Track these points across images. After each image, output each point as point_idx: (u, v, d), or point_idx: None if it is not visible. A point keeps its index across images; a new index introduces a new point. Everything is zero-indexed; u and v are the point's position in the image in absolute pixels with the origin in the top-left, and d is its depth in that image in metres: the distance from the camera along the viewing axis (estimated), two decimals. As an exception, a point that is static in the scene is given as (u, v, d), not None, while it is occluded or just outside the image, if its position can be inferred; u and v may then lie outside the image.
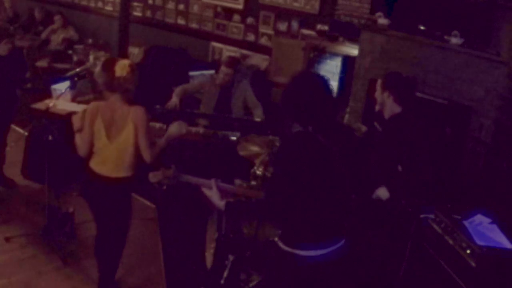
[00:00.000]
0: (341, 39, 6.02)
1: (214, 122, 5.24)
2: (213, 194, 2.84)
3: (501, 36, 4.58)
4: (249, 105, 5.36)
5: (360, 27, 5.65)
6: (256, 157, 4.04)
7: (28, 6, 9.61)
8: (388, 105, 3.73)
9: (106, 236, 3.89)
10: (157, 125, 4.96)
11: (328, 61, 6.01)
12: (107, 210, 3.78)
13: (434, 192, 3.77)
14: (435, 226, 3.55)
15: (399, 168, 3.66)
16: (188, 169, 4.80)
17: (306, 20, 6.72)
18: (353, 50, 5.77)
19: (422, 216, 3.61)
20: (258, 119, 5.23)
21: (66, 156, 5.15)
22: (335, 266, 2.75)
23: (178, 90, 5.36)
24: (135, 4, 8.54)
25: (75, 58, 7.98)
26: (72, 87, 5.38)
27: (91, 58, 7.55)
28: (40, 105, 5.28)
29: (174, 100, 5.23)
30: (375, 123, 4.02)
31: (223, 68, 5.25)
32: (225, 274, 3.61)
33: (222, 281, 3.61)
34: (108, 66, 3.55)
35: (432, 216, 3.60)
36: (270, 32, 7.15)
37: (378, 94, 3.78)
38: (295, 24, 6.86)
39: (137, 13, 8.58)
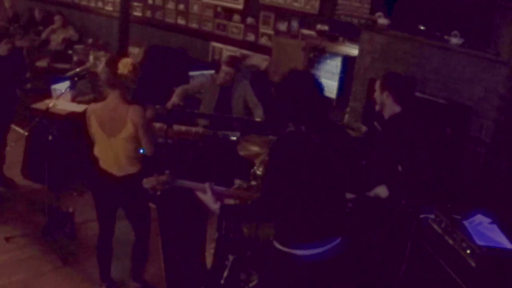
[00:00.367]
0: (341, 39, 6.02)
1: (214, 122, 5.24)
2: (207, 197, 2.83)
3: (501, 36, 4.58)
4: (249, 105, 5.36)
5: (360, 27, 5.65)
6: (256, 157, 4.04)
7: (28, 6, 9.61)
8: (388, 105, 3.73)
9: (110, 235, 3.93)
10: (157, 125, 4.96)
11: (328, 61, 6.01)
12: (116, 210, 3.83)
13: (434, 192, 3.77)
14: (435, 226, 3.55)
15: (399, 168, 3.66)
16: (188, 169, 4.83)
17: (306, 20, 6.72)
18: (353, 50, 5.77)
19: (422, 216, 3.61)
20: (258, 119, 5.23)
21: (66, 156, 5.17)
22: (332, 265, 2.75)
23: (178, 91, 5.36)
24: (135, 4, 8.55)
25: (75, 58, 7.98)
26: (72, 87, 5.38)
27: (91, 58, 7.56)
28: (40, 105, 5.28)
29: (175, 100, 5.23)
30: (375, 123, 4.02)
31: (223, 67, 5.25)
32: (225, 274, 3.62)
33: (222, 281, 3.61)
34: (112, 63, 3.61)
35: (432, 216, 3.60)
36: (270, 32, 7.16)
37: (377, 94, 3.78)
38: (295, 24, 6.87)
39: (137, 13, 8.58)
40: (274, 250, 2.75)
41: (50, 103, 5.09)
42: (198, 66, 7.01)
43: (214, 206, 2.79)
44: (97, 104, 3.76)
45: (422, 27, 5.12)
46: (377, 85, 3.80)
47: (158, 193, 3.47)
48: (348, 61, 5.83)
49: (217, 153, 4.92)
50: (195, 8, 7.97)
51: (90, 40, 8.60)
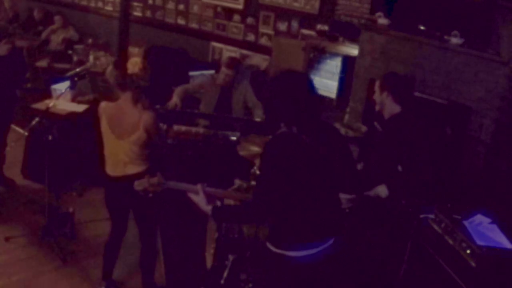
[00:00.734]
0: (341, 39, 6.02)
1: (214, 122, 5.24)
2: (199, 199, 2.81)
3: (501, 36, 4.58)
4: (249, 105, 5.36)
5: (360, 27, 5.65)
6: (256, 157, 4.04)
7: (28, 6, 9.61)
8: (388, 105, 3.73)
9: (122, 234, 3.93)
10: (157, 125, 4.96)
11: (328, 61, 6.01)
12: (128, 210, 3.82)
13: (434, 192, 3.77)
14: (435, 226, 3.55)
15: (399, 168, 3.66)
16: (188, 169, 4.83)
17: (306, 20, 6.72)
18: (353, 50, 5.77)
19: (422, 216, 3.61)
20: (258, 119, 5.23)
21: (66, 156, 5.17)
22: (326, 265, 2.73)
23: (178, 90, 5.36)
24: (135, 4, 8.55)
25: (75, 58, 7.98)
26: (72, 87, 5.38)
27: (91, 58, 7.55)
28: (40, 105, 5.28)
29: (175, 100, 5.23)
30: (375, 123, 4.02)
31: (223, 69, 5.25)
32: (225, 274, 3.61)
33: (222, 281, 3.61)
34: (120, 64, 3.58)
35: (432, 216, 3.60)
36: (270, 32, 7.15)
37: (377, 95, 3.78)
38: (295, 24, 6.87)
39: (137, 13, 8.58)
40: (268, 252, 2.73)
41: (50, 103, 5.09)
42: (198, 66, 7.01)
43: (207, 207, 2.77)
44: (109, 104, 3.71)
45: (422, 27, 5.12)
46: (377, 85, 3.80)
47: (150, 195, 3.49)
48: (348, 61, 5.83)
49: (217, 153, 4.92)
50: (195, 8, 7.97)
51: (90, 40, 8.59)
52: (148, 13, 8.55)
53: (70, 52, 8.21)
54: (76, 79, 5.40)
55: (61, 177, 4.92)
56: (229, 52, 7.52)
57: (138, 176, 3.65)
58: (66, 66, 7.65)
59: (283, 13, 6.97)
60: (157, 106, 5.09)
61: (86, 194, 5.43)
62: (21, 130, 5.73)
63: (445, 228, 3.47)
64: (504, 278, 3.20)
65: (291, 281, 2.71)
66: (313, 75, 6.11)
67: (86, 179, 5.53)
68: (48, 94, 5.63)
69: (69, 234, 4.61)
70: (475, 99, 4.67)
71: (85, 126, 5.53)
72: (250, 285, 3.65)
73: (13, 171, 5.50)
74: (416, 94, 4.82)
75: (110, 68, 3.66)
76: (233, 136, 4.98)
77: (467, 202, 4.25)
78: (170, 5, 8.26)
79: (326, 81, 6.03)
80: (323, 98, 6.01)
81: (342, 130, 5.46)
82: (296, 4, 6.82)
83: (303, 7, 6.75)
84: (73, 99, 5.67)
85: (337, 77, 5.94)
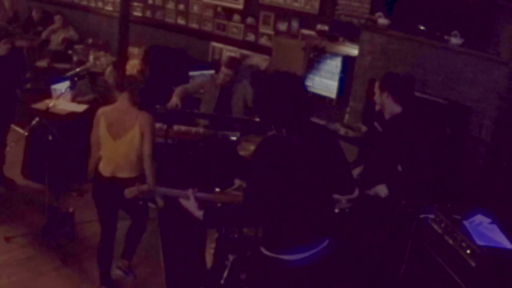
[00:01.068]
0: (341, 39, 6.02)
1: (214, 122, 5.24)
2: (190, 204, 2.79)
3: (501, 36, 4.58)
4: (249, 105, 5.36)
5: (360, 27, 5.65)
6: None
7: (28, 6, 9.61)
8: (388, 106, 3.73)
9: (111, 237, 3.95)
10: (157, 125, 4.95)
11: (328, 61, 6.01)
12: (117, 211, 3.84)
13: (434, 192, 3.77)
14: (435, 226, 3.55)
15: (399, 168, 3.66)
16: (188, 169, 4.83)
17: (306, 20, 6.72)
18: (353, 50, 5.77)
19: (422, 216, 3.61)
20: (258, 119, 5.22)
21: (66, 156, 5.17)
22: (321, 267, 2.72)
23: (178, 90, 5.35)
24: (135, 4, 8.54)
25: (75, 58, 7.98)
26: (72, 87, 5.38)
27: (91, 58, 7.56)
28: (40, 105, 5.28)
29: (175, 100, 5.23)
30: (375, 123, 4.02)
31: (223, 69, 5.25)
32: (225, 274, 3.61)
33: (222, 281, 3.61)
34: (119, 66, 3.63)
35: (432, 216, 3.59)
36: (270, 32, 7.15)
37: (377, 96, 3.78)
38: (295, 24, 6.87)
39: (137, 13, 8.58)
40: (261, 256, 2.71)
41: (50, 103, 5.09)
42: (198, 66, 7.01)
43: (198, 213, 2.74)
44: (107, 106, 3.79)
45: (422, 27, 5.12)
46: (377, 86, 3.80)
47: (140, 202, 3.50)
48: (348, 61, 5.83)
49: (217, 153, 4.92)
50: (195, 8, 7.97)
51: (90, 40, 8.59)
52: (148, 13, 8.55)
53: (70, 52, 8.20)
54: (76, 79, 5.40)
55: (61, 177, 4.91)
56: (229, 52, 7.52)
57: (131, 180, 3.67)
58: (66, 66, 7.65)
59: (283, 13, 6.97)
60: (157, 106, 5.09)
61: (86, 194, 5.42)
62: (21, 130, 5.73)
63: (445, 228, 3.47)
64: (504, 278, 3.20)
65: (286, 285, 2.69)
66: (313, 75, 6.12)
67: (86, 179, 5.52)
68: (48, 94, 5.63)
69: (69, 234, 4.61)
70: (475, 99, 4.67)
71: (85, 126, 5.53)
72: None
73: (13, 171, 5.50)
74: (416, 94, 4.81)
75: (109, 69, 3.72)
76: (233, 136, 4.98)
77: (467, 202, 4.25)
78: (170, 5, 8.25)
79: (326, 81, 6.03)
80: (315, 100, 6.02)
81: (342, 130, 5.47)
82: (296, 4, 6.82)
83: (303, 7, 6.75)
84: (73, 99, 5.67)
85: (337, 77, 5.94)
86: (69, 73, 6.20)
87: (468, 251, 3.23)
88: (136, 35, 7.89)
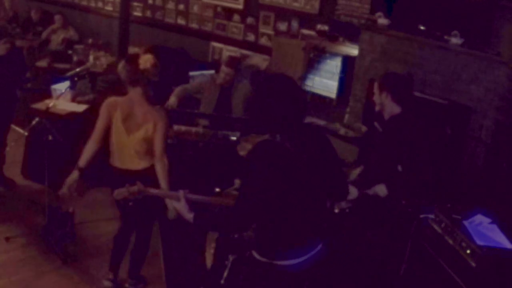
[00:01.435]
0: (341, 39, 6.02)
1: (214, 122, 5.24)
2: (181, 206, 2.76)
3: (501, 36, 4.58)
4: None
5: (360, 27, 5.65)
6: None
7: (28, 6, 9.61)
8: (387, 106, 3.73)
9: (130, 230, 3.97)
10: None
11: (328, 61, 6.01)
12: (134, 204, 3.82)
13: (434, 192, 3.77)
14: (435, 226, 3.55)
15: (399, 168, 3.66)
16: (188, 169, 4.83)
17: (306, 20, 6.72)
18: (353, 50, 5.77)
19: (422, 216, 3.61)
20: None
21: (66, 156, 5.16)
22: (315, 271, 2.69)
23: (178, 90, 5.36)
24: (135, 4, 8.55)
25: (75, 58, 7.98)
26: (72, 87, 5.38)
27: (91, 58, 7.56)
28: (40, 105, 5.28)
29: (173, 100, 5.23)
30: (375, 123, 4.02)
31: (223, 68, 5.25)
32: (225, 274, 3.61)
33: (222, 281, 3.61)
34: (132, 60, 3.64)
35: (432, 216, 3.60)
36: (270, 32, 7.15)
37: (376, 96, 3.78)
38: (295, 24, 6.86)
39: (137, 13, 8.58)
40: (254, 261, 2.68)
41: (50, 103, 5.10)
42: (198, 66, 7.01)
43: (188, 215, 2.72)
44: (119, 98, 3.74)
45: (422, 27, 5.12)
46: (376, 86, 3.80)
47: (130, 203, 3.49)
48: (348, 61, 5.83)
49: (217, 153, 4.92)
50: (195, 8, 7.97)
51: (90, 40, 8.60)
52: (148, 13, 8.55)
53: (70, 52, 8.21)
54: (76, 79, 5.41)
55: (61, 177, 4.91)
56: (229, 52, 7.52)
57: (146, 171, 3.69)
58: (66, 66, 7.65)
59: (283, 13, 6.97)
60: (157, 107, 5.09)
61: (86, 194, 5.43)
62: (21, 130, 5.73)
63: (445, 228, 3.47)
64: (504, 278, 3.20)
65: None
66: (313, 75, 6.12)
67: (86, 179, 5.53)
68: (48, 94, 5.64)
69: (69, 234, 4.61)
70: (475, 99, 4.67)
71: (85, 126, 5.53)
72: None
73: (13, 171, 5.50)
74: (416, 94, 4.82)
75: (122, 63, 3.71)
76: (233, 136, 4.98)
77: (467, 202, 4.25)
78: (170, 5, 8.25)
79: (326, 81, 6.03)
80: (315, 100, 6.03)
81: (342, 130, 5.48)
82: (296, 4, 6.81)
83: (303, 7, 6.75)
84: (73, 99, 5.67)
85: (337, 77, 5.94)
86: (69, 73, 6.21)
87: (468, 251, 3.23)
88: (136, 35, 7.90)
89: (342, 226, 3.70)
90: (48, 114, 4.78)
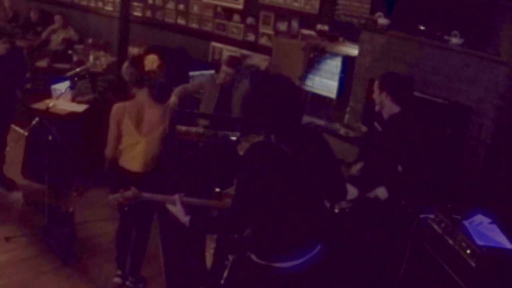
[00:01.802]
0: (341, 39, 6.02)
1: (214, 122, 5.24)
2: (177, 210, 2.75)
3: (501, 36, 4.58)
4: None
5: (360, 27, 5.65)
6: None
7: (28, 6, 9.61)
8: (387, 106, 3.73)
9: (131, 228, 4.01)
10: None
11: (328, 61, 6.01)
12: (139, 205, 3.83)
13: (434, 192, 3.77)
14: (435, 226, 3.55)
15: (399, 168, 3.66)
16: (188, 169, 4.83)
17: (306, 20, 6.72)
18: (353, 50, 5.77)
19: (422, 216, 3.61)
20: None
21: (66, 156, 5.17)
22: (314, 273, 2.68)
23: (178, 90, 5.35)
24: (135, 4, 8.55)
25: (75, 58, 7.99)
26: (72, 87, 5.38)
27: (91, 58, 7.56)
28: (40, 105, 5.28)
29: (174, 100, 5.23)
30: (375, 123, 4.02)
31: (224, 68, 5.25)
32: (225, 274, 3.61)
33: (222, 281, 3.61)
34: (137, 62, 3.64)
35: (432, 216, 3.59)
36: (270, 32, 7.15)
37: (376, 95, 3.78)
38: (295, 24, 6.86)
39: (137, 13, 8.58)
40: (251, 263, 2.67)
41: (50, 103, 5.10)
42: (198, 66, 7.01)
43: (184, 218, 2.71)
44: (126, 103, 3.76)
45: (422, 27, 5.12)
46: (376, 85, 3.80)
47: (125, 208, 3.48)
48: (348, 61, 5.83)
49: (217, 153, 4.91)
50: (195, 8, 7.97)
51: (90, 40, 8.60)
52: (148, 13, 8.55)
53: (70, 52, 8.22)
54: (76, 79, 5.40)
55: (61, 177, 4.92)
56: (229, 52, 7.52)
57: (149, 174, 3.70)
58: (66, 66, 7.66)
59: (283, 13, 6.97)
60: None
61: (86, 194, 5.43)
62: (21, 130, 5.73)
63: (445, 228, 3.47)
64: (504, 278, 3.20)
65: None
66: (313, 75, 6.12)
67: (86, 179, 5.53)
68: (48, 94, 5.64)
69: (69, 234, 4.61)
70: (475, 99, 4.67)
71: (85, 126, 5.53)
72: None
73: (13, 171, 5.50)
74: (416, 94, 4.82)
75: (125, 65, 3.72)
76: (233, 136, 4.98)
77: (467, 202, 4.25)
78: (170, 5, 8.25)
79: (326, 81, 6.03)
80: (315, 100, 6.03)
81: (342, 130, 5.47)
82: (296, 4, 6.82)
83: (303, 7, 6.75)
84: (73, 99, 5.67)
85: (337, 77, 5.94)
86: (69, 73, 6.22)
87: (468, 251, 3.23)
88: (136, 35, 7.90)
89: (342, 226, 3.70)
90: (48, 114, 4.79)
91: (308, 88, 6.13)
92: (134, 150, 3.72)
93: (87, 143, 5.42)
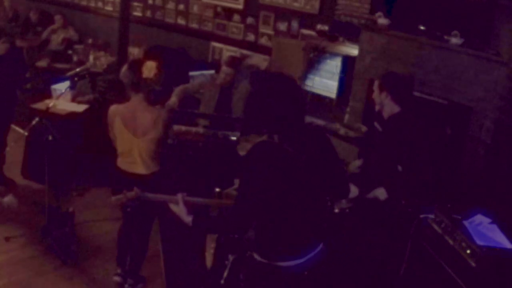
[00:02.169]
0: (341, 39, 6.02)
1: (214, 122, 5.24)
2: (180, 209, 2.75)
3: (501, 36, 4.58)
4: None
5: (360, 27, 5.64)
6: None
7: (28, 6, 9.60)
8: (387, 105, 3.73)
9: (132, 227, 4.02)
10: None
11: (328, 61, 6.01)
12: (139, 207, 3.84)
13: (434, 192, 3.77)
14: (435, 226, 3.55)
15: (399, 168, 3.66)
16: (188, 169, 4.83)
17: (306, 20, 6.72)
18: (353, 50, 5.77)
19: (422, 216, 3.61)
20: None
21: (66, 156, 5.17)
22: (316, 272, 2.68)
23: (178, 90, 5.36)
24: (135, 4, 8.54)
25: (75, 58, 7.98)
26: (72, 87, 5.38)
27: (91, 58, 7.56)
28: (40, 105, 5.28)
29: (174, 100, 5.23)
30: (375, 123, 4.02)
31: (224, 68, 5.25)
32: (225, 274, 3.61)
33: (222, 281, 3.61)
34: (135, 67, 3.66)
35: (432, 216, 3.60)
36: (270, 32, 7.15)
37: (376, 95, 3.78)
38: (295, 24, 6.86)
39: (137, 13, 8.57)
40: (254, 262, 2.67)
41: (50, 103, 5.10)
42: (198, 66, 7.01)
43: (187, 218, 2.71)
44: (119, 105, 3.81)
45: (422, 27, 5.12)
46: (376, 85, 3.80)
47: (128, 209, 3.48)
48: (348, 61, 5.83)
49: (217, 153, 4.92)
50: (195, 8, 7.97)
51: (90, 40, 8.59)
52: (148, 13, 8.55)
53: (70, 52, 8.21)
54: (76, 79, 5.41)
55: (61, 177, 4.91)
56: (229, 52, 7.52)
57: (149, 177, 3.70)
58: (66, 66, 7.65)
59: (283, 13, 6.97)
60: (157, 107, 5.09)
61: (86, 194, 5.43)
62: (21, 130, 5.73)
63: (445, 228, 3.47)
64: (504, 278, 3.20)
65: None
66: (313, 75, 6.12)
67: (86, 179, 5.54)
68: (48, 94, 5.64)
69: (69, 234, 4.61)
70: (475, 99, 4.67)
71: (85, 126, 5.53)
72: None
73: (13, 171, 5.50)
74: (416, 94, 4.82)
75: (125, 68, 3.74)
76: (233, 136, 4.98)
77: (467, 202, 4.25)
78: (170, 5, 8.25)
79: (326, 81, 6.03)
80: (315, 100, 6.03)
81: (342, 130, 5.47)
82: (296, 4, 6.81)
83: (303, 7, 6.75)
84: (73, 99, 5.67)
85: (337, 77, 5.94)
86: (69, 73, 6.21)
87: (468, 251, 3.23)
88: (136, 35, 7.89)
89: (342, 226, 3.70)
90: (48, 114, 4.78)
91: (308, 88, 6.13)
92: (131, 155, 3.74)
93: (87, 143, 5.43)
